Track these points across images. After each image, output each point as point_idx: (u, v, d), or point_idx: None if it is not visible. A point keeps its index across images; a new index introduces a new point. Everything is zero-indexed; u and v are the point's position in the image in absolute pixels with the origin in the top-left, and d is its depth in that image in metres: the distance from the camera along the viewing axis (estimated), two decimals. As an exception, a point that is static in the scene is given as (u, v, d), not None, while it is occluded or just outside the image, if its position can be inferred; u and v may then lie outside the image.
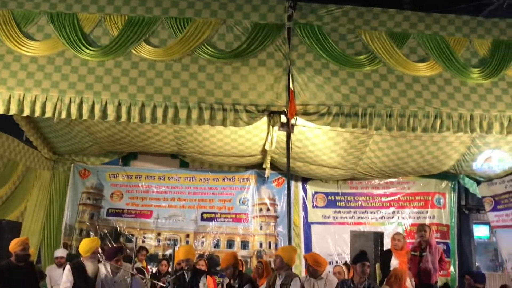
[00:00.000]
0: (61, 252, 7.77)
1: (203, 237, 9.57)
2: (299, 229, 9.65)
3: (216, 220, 9.65)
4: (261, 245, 9.48)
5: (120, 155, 9.99)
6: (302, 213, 9.78)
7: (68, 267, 5.96)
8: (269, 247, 9.45)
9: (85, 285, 5.86)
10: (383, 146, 8.11)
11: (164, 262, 8.43)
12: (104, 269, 6.23)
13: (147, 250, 8.83)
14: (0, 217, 7.68)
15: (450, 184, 9.59)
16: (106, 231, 9.47)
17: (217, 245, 9.53)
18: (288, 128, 6.25)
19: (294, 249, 6.07)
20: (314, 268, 6.39)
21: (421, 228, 6.95)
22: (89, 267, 5.93)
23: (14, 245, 5.77)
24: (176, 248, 7.52)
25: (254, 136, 8.28)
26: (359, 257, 5.62)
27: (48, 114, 5.87)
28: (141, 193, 9.80)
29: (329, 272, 6.84)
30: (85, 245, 6.01)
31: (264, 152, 8.86)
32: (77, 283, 5.82)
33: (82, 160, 9.84)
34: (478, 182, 9.35)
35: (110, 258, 6.07)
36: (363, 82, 6.14)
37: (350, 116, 5.98)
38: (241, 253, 9.16)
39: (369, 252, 7.23)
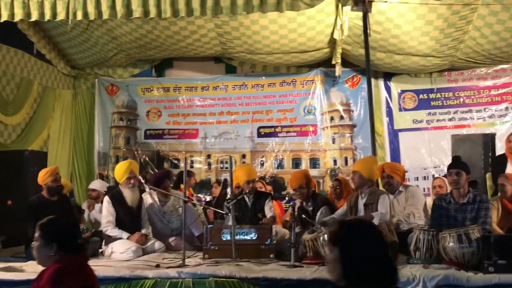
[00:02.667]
0: (93, 185, 8.05)
1: (262, 156, 9.80)
2: (382, 139, 9.65)
3: (277, 136, 9.83)
4: (335, 162, 9.62)
5: (152, 63, 10.11)
6: (385, 119, 9.73)
7: (106, 198, 6.35)
8: (346, 163, 9.58)
9: (127, 217, 6.22)
10: (491, 21, 7.69)
11: (215, 184, 8.74)
12: (150, 198, 6.59)
13: (194, 175, 8.96)
14: (21, 148, 8.12)
15: None
16: (146, 157, 9.88)
17: (280, 165, 9.76)
18: (364, 5, 6.01)
19: (374, 160, 6.10)
20: (395, 178, 6.42)
21: None
22: (128, 195, 6.24)
23: (43, 176, 6.11)
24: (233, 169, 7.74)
25: (319, 23, 8.09)
26: (449, 165, 5.57)
27: (61, 16, 5.90)
28: (182, 108, 10.05)
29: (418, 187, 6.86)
30: (119, 169, 6.35)
31: (332, 43, 8.69)
32: (119, 214, 6.19)
33: (107, 73, 10.05)
34: None
35: (156, 185, 6.37)
36: None
37: (448, -21, 5.65)
38: (311, 173, 9.30)
39: (477, 159, 7.24)
